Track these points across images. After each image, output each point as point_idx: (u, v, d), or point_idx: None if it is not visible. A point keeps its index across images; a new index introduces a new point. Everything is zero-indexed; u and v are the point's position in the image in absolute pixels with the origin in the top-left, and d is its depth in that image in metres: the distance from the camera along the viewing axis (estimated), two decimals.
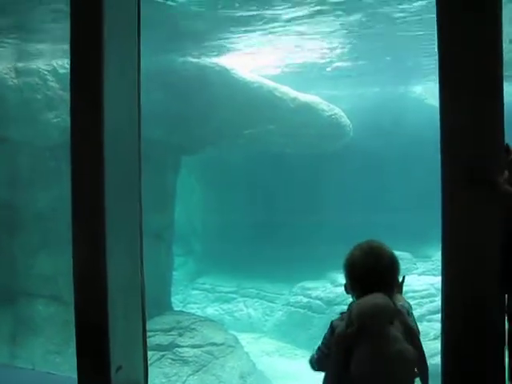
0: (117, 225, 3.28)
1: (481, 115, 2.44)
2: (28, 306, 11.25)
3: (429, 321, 13.36)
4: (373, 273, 2.78)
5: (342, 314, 2.84)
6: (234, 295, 16.77)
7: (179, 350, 11.73)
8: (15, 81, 11.48)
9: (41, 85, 11.57)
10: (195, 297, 17.05)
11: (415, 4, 9.99)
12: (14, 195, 11.32)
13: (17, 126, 11.30)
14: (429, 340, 12.52)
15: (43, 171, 11.29)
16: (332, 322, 2.86)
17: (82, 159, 3.25)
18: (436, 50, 2.54)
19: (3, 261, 11.18)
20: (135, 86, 3.43)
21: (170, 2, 9.53)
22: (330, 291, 15.12)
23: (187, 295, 17.04)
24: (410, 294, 13.84)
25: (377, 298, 2.66)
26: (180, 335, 12.01)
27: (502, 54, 2.42)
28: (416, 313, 12.38)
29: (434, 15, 2.53)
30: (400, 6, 10.22)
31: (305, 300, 15.45)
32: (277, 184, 16.75)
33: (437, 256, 15.25)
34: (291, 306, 15.64)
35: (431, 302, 14.00)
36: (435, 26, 2.52)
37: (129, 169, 3.44)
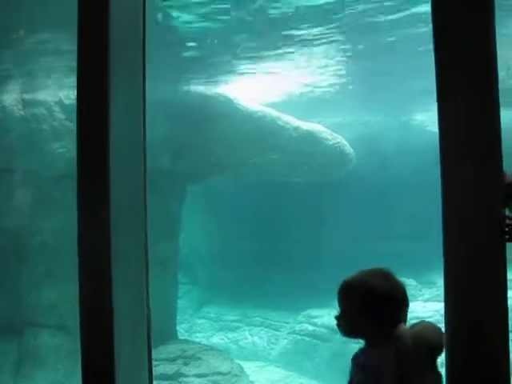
0: (123, 254, 3.30)
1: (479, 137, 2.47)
2: (33, 336, 11.23)
3: None
4: (405, 302, 2.74)
5: (361, 349, 2.76)
6: (239, 324, 16.69)
7: (184, 379, 11.66)
8: (22, 112, 11.62)
9: (47, 116, 11.71)
10: (200, 325, 16.98)
11: (416, 31, 10.13)
12: (20, 225, 11.37)
13: (23, 157, 11.40)
14: None
15: (49, 201, 11.35)
16: (355, 358, 2.78)
17: (88, 189, 3.28)
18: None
19: (8, 291, 11.19)
20: (141, 116, 3.49)
21: (173, 33, 9.68)
22: None
23: (192, 324, 16.98)
24: (416, 321, 13.71)
25: (439, 329, 2.62)
26: (185, 364, 11.95)
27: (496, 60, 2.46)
28: None
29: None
30: (401, 35, 10.37)
31: (310, 328, 15.36)
32: (281, 212, 16.76)
33: (442, 282, 15.17)
34: (296, 334, 15.55)
35: None
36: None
37: (135, 198, 3.47)
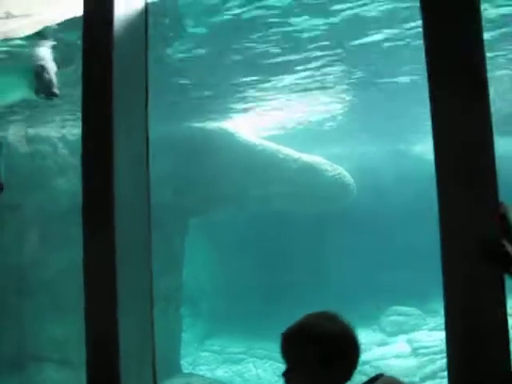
0: (128, 288, 3.33)
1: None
2: (37, 370, 11.17)
3: (442, 377, 13.14)
4: (359, 345, 2.41)
5: None
6: (244, 356, 16.59)
7: None
8: (26, 148, 11.72)
9: (51, 152, 11.82)
10: (204, 358, 16.86)
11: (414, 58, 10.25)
12: (24, 260, 11.39)
13: (28, 193, 11.47)
14: None
15: (54, 236, 11.38)
16: None
17: (92, 223, 3.32)
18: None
19: (13, 326, 11.15)
20: (144, 152, 3.55)
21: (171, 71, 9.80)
22: None
23: (196, 357, 16.86)
24: (422, 351, 13.66)
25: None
26: None
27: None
28: (428, 370, 12.38)
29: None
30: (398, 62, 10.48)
31: None
32: (283, 244, 16.77)
33: None
34: None
35: (444, 357, 13.72)
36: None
37: (139, 233, 3.52)
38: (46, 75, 6.74)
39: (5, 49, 7.34)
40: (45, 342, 11.28)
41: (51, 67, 6.90)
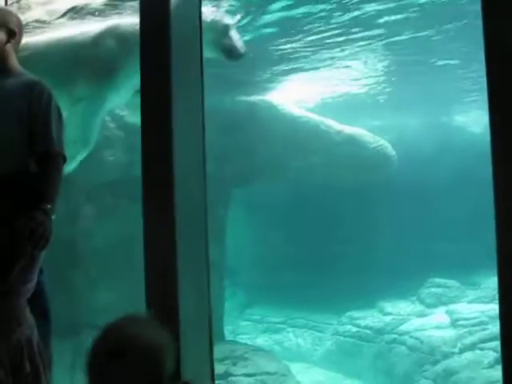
0: (186, 260, 3.52)
1: None
2: (89, 336, 11.51)
3: (481, 349, 13.15)
4: None
5: None
6: (283, 325, 16.81)
7: (233, 378, 11.78)
8: None
9: None
10: (245, 327, 17.14)
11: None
12: (74, 229, 11.68)
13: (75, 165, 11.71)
14: (483, 368, 12.39)
15: (102, 207, 11.64)
16: None
17: (153, 197, 3.49)
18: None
19: (65, 293, 11.51)
20: (200, 125, 3.72)
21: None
22: (379, 320, 15.08)
23: (237, 326, 17.15)
24: (461, 322, 13.67)
25: None
26: (234, 364, 12.08)
27: None
28: (468, 341, 12.44)
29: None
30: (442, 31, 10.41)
31: (354, 329, 15.41)
32: (324, 215, 16.86)
33: (486, 283, 15.10)
34: (340, 335, 15.61)
35: (483, 329, 13.76)
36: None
37: (197, 205, 3.71)
38: (235, 34, 6.35)
39: None
40: (95, 309, 11.60)
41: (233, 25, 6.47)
